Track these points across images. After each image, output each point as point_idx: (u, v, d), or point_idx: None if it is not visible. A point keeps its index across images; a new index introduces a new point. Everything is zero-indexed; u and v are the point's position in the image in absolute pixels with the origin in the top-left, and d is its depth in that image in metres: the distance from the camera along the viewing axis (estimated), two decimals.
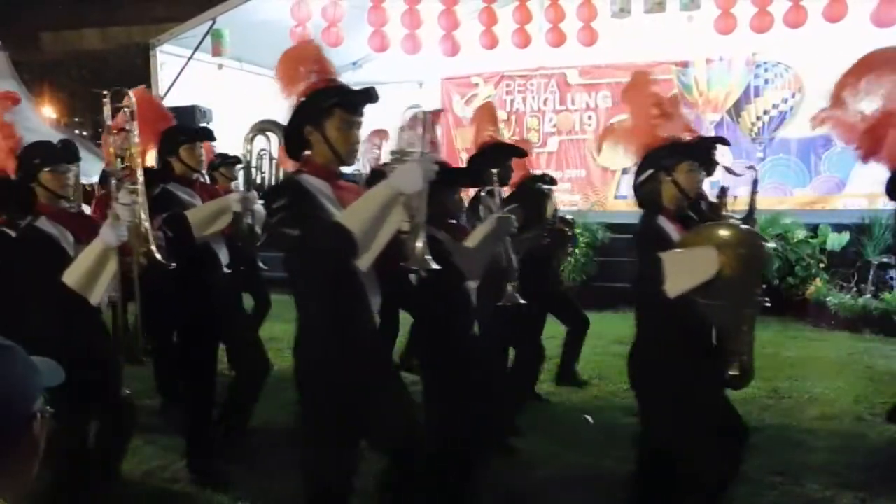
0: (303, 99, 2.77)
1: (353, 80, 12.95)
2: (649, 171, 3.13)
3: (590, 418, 5.02)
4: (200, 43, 10.58)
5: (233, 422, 4.48)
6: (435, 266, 2.66)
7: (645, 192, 3.16)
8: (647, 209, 3.16)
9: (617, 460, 4.33)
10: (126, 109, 3.55)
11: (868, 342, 7.29)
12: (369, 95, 2.79)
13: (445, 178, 3.05)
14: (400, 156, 2.65)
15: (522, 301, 3.92)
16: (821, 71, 10.76)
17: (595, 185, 12.69)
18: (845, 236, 8.78)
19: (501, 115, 13.32)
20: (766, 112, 11.30)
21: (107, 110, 3.52)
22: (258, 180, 4.90)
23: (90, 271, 3.25)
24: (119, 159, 3.45)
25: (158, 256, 3.46)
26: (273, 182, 4.79)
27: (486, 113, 4.90)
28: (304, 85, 2.79)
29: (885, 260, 8.35)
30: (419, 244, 2.62)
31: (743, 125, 11.43)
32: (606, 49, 10.26)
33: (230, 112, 10.69)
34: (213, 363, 4.27)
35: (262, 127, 4.35)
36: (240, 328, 4.62)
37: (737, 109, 11.42)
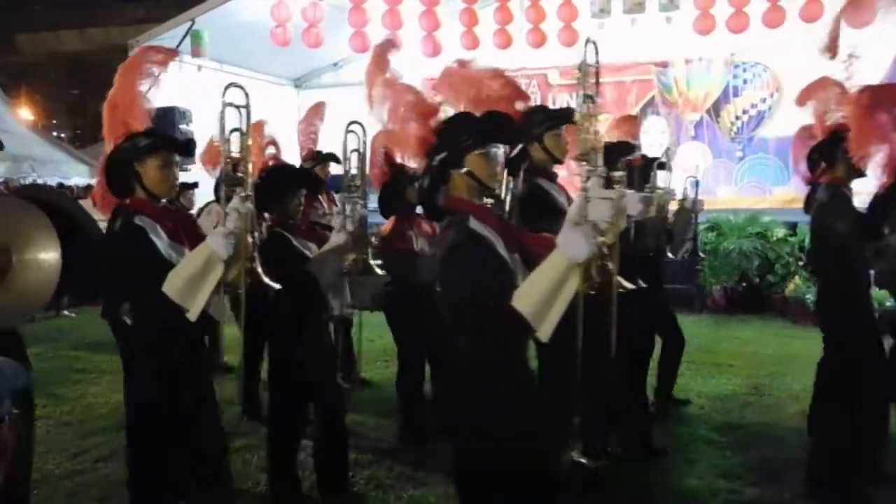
0: None
1: (333, 80, 12.99)
2: None
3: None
4: (179, 44, 10.49)
5: None
6: None
7: None
8: None
9: None
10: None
11: None
12: None
13: None
14: None
15: None
16: (798, 71, 10.88)
17: (576, 184, 12.72)
18: None
19: None
20: (744, 112, 11.38)
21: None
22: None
23: (550, 294, 2.37)
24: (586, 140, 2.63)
25: (626, 283, 2.70)
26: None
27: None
28: None
29: None
30: None
31: (722, 125, 11.50)
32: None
33: (210, 113, 10.63)
34: None
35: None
36: None
37: (716, 109, 11.49)
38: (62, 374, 6.74)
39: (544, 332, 2.34)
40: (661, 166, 4.76)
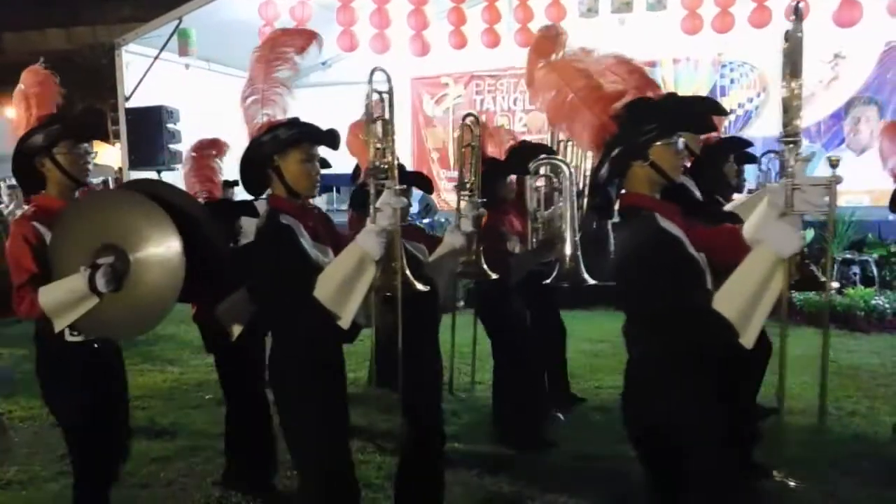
0: None
1: (322, 79, 13.02)
2: None
3: (560, 415, 5.05)
4: (167, 42, 10.46)
5: None
6: None
7: None
8: None
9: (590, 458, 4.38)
10: None
11: (832, 337, 7.41)
12: None
13: None
14: None
15: None
16: None
17: None
18: (809, 233, 8.90)
19: None
20: (732, 111, 11.45)
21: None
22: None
23: (756, 295, 2.13)
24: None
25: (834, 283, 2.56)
26: None
27: None
28: None
29: (848, 256, 8.51)
30: None
31: None
32: (575, 49, 10.32)
33: (197, 113, 10.59)
34: None
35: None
36: None
37: None
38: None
39: (749, 337, 2.14)
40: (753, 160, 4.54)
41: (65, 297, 2.71)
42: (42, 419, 5.41)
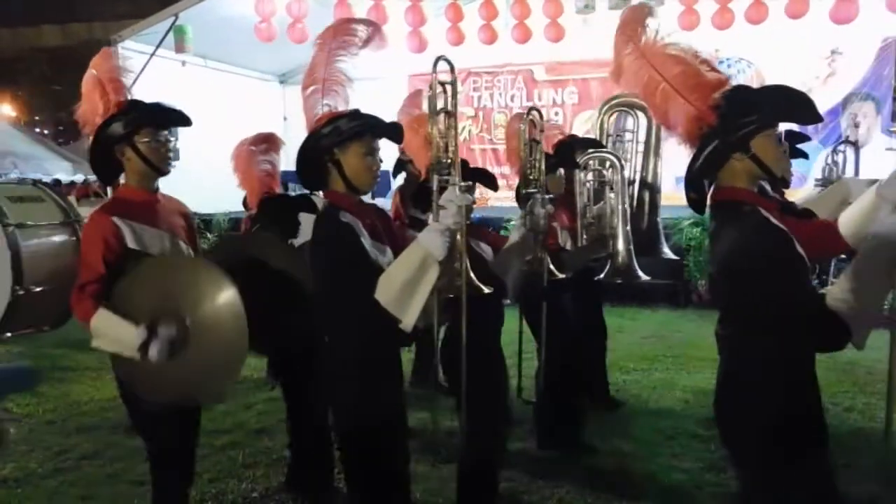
0: None
1: None
2: None
3: None
4: (163, 39, 10.43)
5: None
6: None
7: None
8: None
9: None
10: None
11: None
12: None
13: None
14: None
15: None
16: (782, 66, 10.96)
17: None
18: None
19: (468, 111, 13.34)
20: None
21: None
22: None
23: (872, 295, 2.09)
24: None
25: None
26: None
27: None
28: None
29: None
30: None
31: None
32: (572, 45, 10.30)
33: (194, 110, 10.55)
34: None
35: None
36: None
37: None
38: (45, 372, 6.68)
39: (861, 339, 2.05)
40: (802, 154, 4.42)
41: (113, 337, 2.61)
42: (38, 416, 5.41)
